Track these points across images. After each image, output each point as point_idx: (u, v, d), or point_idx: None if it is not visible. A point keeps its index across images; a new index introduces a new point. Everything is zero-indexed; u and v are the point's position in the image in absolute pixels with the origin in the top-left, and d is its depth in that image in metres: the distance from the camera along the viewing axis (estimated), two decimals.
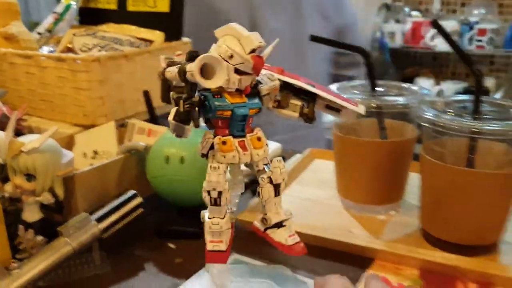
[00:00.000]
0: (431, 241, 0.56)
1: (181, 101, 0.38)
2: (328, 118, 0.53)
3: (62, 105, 0.80)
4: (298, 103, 0.42)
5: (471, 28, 2.68)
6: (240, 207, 0.65)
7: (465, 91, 2.61)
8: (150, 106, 0.71)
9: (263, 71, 0.40)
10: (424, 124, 0.52)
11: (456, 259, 0.51)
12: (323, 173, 0.77)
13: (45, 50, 0.93)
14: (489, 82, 2.77)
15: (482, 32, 2.67)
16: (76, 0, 0.99)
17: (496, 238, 0.55)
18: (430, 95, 0.61)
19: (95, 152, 0.70)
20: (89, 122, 0.76)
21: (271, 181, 0.41)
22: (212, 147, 0.40)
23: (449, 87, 2.69)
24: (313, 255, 0.51)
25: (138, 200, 0.56)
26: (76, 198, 0.57)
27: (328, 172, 0.71)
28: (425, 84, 2.70)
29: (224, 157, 0.39)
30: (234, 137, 0.39)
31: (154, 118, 0.71)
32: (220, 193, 0.39)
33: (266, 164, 0.41)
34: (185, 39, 0.90)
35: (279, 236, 0.42)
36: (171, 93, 0.40)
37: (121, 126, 0.74)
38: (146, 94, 0.70)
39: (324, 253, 0.54)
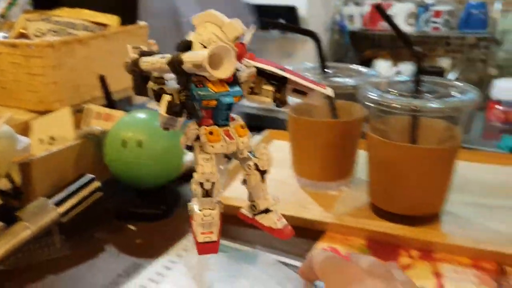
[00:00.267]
0: (378, 213, 0.60)
1: (176, 93, 0.36)
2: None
3: (17, 91, 0.79)
4: (270, 88, 0.42)
5: (427, 9, 2.75)
6: None
7: (422, 72, 2.69)
8: (106, 90, 0.71)
9: None
10: (369, 104, 0.55)
11: (401, 229, 0.55)
12: (280, 153, 0.78)
13: None
14: (445, 62, 2.87)
15: (437, 13, 2.76)
16: None
17: (438, 208, 0.59)
18: (377, 76, 0.64)
19: (52, 138, 0.69)
20: (44, 108, 0.76)
21: (257, 168, 0.41)
22: (197, 138, 0.39)
23: (407, 68, 2.77)
24: None
25: (96, 184, 0.57)
26: (34, 184, 0.58)
27: (285, 152, 0.73)
28: (383, 66, 2.77)
29: (213, 147, 0.38)
30: (219, 126, 0.39)
31: (111, 102, 0.71)
32: (213, 184, 0.39)
33: (250, 152, 0.41)
34: (141, 23, 0.90)
35: (268, 221, 0.42)
36: (151, 84, 0.38)
37: (78, 111, 0.74)
38: (102, 79, 0.70)
39: None
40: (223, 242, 0.54)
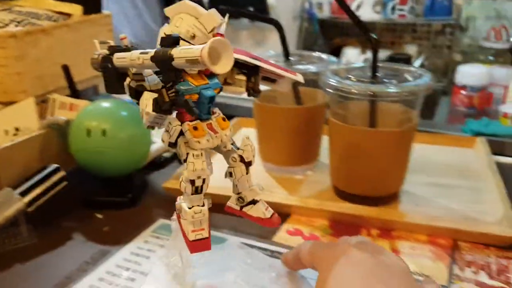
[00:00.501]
0: (340, 195, 0.62)
1: (164, 90, 0.34)
2: None
3: None
4: (243, 78, 0.41)
5: None
6: (166, 176, 0.68)
7: (389, 59, 2.74)
8: (71, 80, 0.71)
9: None
10: (329, 90, 0.57)
11: (362, 209, 0.57)
12: None
13: None
14: (411, 49, 2.91)
15: (403, 1, 2.80)
16: None
17: (397, 189, 0.61)
18: (338, 63, 0.66)
19: (17, 129, 0.69)
20: (8, 99, 0.75)
21: (242, 160, 0.40)
22: (180, 134, 0.38)
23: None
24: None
25: (61, 173, 0.57)
26: None
27: (253, 139, 0.74)
28: (352, 54, 2.80)
29: (199, 142, 0.36)
30: (202, 120, 0.37)
31: (75, 92, 0.71)
32: (204, 180, 0.37)
33: (232, 144, 0.40)
34: (105, 12, 0.89)
35: (257, 211, 0.42)
36: (130, 81, 0.36)
37: (43, 102, 0.73)
38: (66, 69, 0.70)
39: None
40: None
